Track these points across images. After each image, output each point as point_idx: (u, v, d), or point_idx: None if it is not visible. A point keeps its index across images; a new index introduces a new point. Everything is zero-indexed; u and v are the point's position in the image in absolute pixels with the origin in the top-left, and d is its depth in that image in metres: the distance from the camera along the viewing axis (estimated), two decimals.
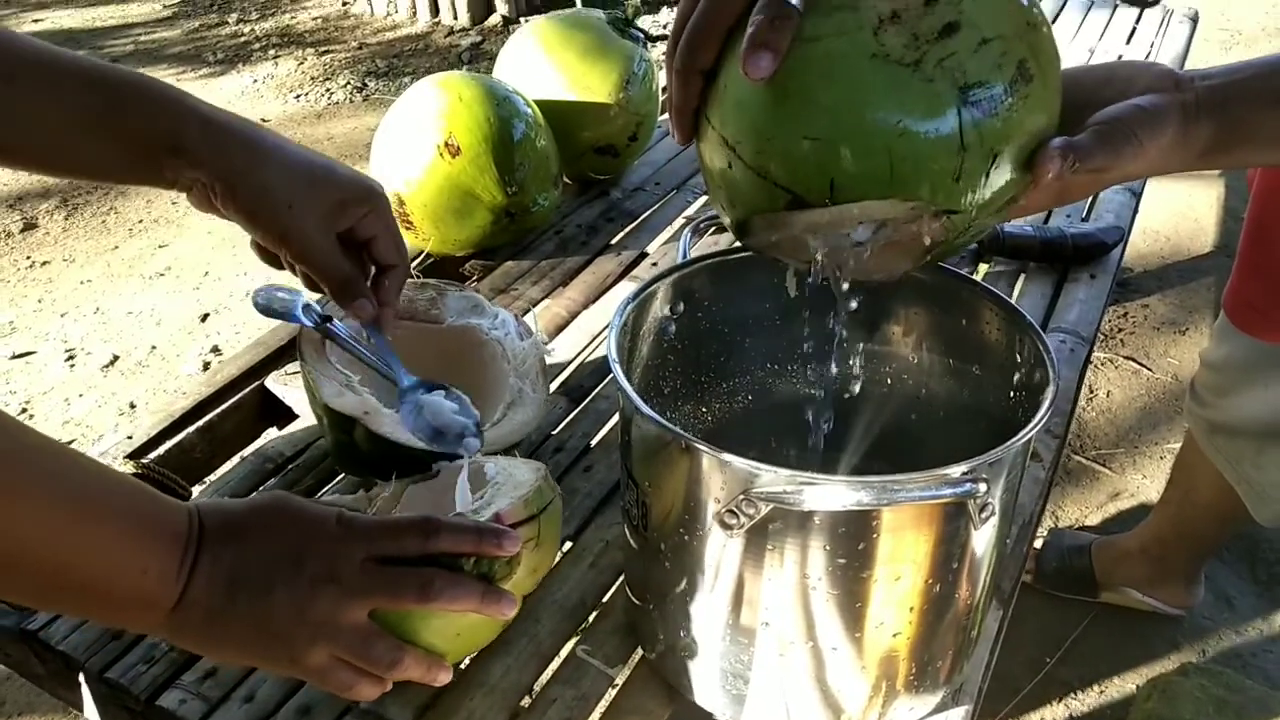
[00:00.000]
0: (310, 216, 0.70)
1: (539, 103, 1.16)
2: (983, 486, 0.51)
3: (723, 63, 0.53)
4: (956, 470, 0.52)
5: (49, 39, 3.32)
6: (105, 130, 0.66)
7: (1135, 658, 1.51)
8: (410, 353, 0.87)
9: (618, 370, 0.59)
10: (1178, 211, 2.53)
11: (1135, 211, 1.30)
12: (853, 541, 0.54)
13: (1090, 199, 1.29)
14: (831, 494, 0.51)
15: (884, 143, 0.49)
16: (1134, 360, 2.11)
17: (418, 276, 0.93)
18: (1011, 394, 0.66)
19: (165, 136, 0.67)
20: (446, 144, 1.04)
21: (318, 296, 0.92)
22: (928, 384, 0.73)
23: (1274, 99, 0.55)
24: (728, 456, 0.53)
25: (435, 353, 0.88)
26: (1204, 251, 2.43)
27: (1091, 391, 2.03)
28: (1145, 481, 1.81)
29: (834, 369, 0.66)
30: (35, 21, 4.06)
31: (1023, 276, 1.14)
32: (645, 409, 0.56)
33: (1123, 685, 1.47)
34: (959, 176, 0.50)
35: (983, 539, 0.58)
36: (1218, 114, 0.54)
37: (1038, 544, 1.63)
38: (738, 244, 0.63)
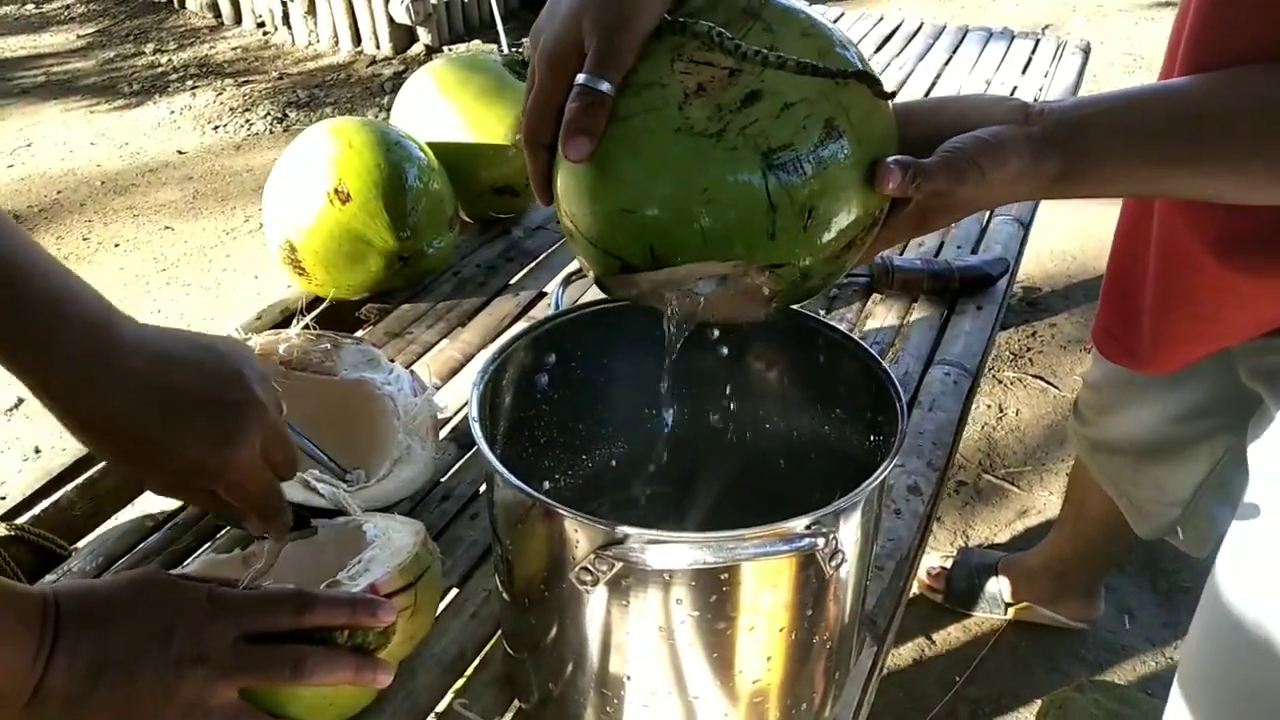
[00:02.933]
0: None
1: (436, 145, 1.16)
2: (821, 541, 0.53)
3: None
4: (799, 524, 0.53)
5: None
6: None
7: (1041, 673, 1.55)
8: (302, 405, 0.86)
9: (476, 429, 0.59)
10: (1084, 231, 2.61)
11: (1023, 243, 1.34)
12: (704, 595, 0.55)
13: (981, 231, 1.33)
14: (675, 553, 0.52)
15: (691, 209, 0.52)
16: (1042, 379, 2.17)
17: (313, 327, 0.93)
18: (871, 437, 0.68)
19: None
20: (337, 191, 1.03)
21: None
22: (797, 427, 0.75)
23: (1118, 135, 0.57)
24: (577, 516, 0.54)
25: (327, 406, 0.88)
26: None
27: (1001, 411, 2.08)
28: (1052, 498, 1.86)
29: (668, 416, 0.68)
30: None
31: (912, 309, 1.17)
32: (500, 469, 0.56)
33: (1028, 701, 1.50)
34: (773, 234, 0.53)
35: (838, 585, 0.60)
36: (1064, 147, 0.56)
37: (947, 564, 1.66)
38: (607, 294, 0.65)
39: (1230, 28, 0.63)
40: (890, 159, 0.54)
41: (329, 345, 0.89)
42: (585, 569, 0.54)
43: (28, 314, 0.54)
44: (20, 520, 0.84)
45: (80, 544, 0.85)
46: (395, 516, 0.73)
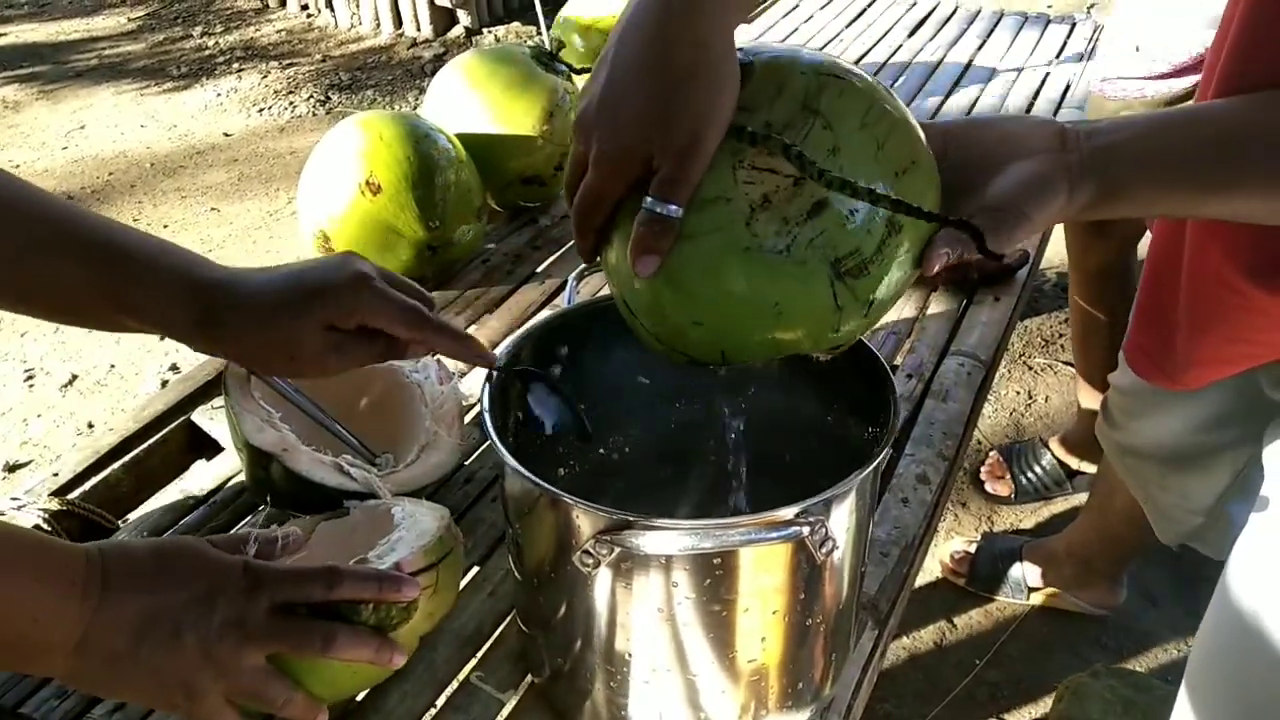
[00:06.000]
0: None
1: (465, 136, 1.20)
2: (807, 529, 0.56)
3: (616, 229, 0.57)
4: (788, 512, 0.56)
5: (14, 53, 3.31)
6: (105, 302, 0.69)
7: (1061, 658, 1.56)
8: (334, 393, 0.91)
9: (487, 419, 0.63)
10: None
11: (1045, 235, 1.35)
12: (698, 578, 0.58)
13: None
14: (666, 539, 0.55)
15: (765, 323, 0.54)
16: (1073, 366, 2.16)
17: None
18: (870, 429, 0.70)
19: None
20: (368, 182, 1.07)
21: None
22: (802, 417, 0.77)
23: (1154, 161, 0.59)
24: (577, 503, 0.57)
25: (356, 392, 0.92)
26: (1139, 258, 2.48)
27: (1030, 397, 2.08)
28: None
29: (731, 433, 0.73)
30: (0, 36, 4.06)
31: (930, 299, 1.18)
32: (508, 458, 0.60)
33: (1047, 686, 1.52)
34: (837, 328, 0.55)
35: (830, 570, 0.63)
36: (1099, 174, 0.58)
37: (971, 548, 1.68)
38: None
39: (1271, 49, 0.63)
40: (940, 242, 0.55)
41: None
42: (587, 552, 0.58)
43: (150, 285, 0.69)
44: (71, 495, 0.89)
45: (128, 518, 0.91)
46: (422, 502, 0.77)
